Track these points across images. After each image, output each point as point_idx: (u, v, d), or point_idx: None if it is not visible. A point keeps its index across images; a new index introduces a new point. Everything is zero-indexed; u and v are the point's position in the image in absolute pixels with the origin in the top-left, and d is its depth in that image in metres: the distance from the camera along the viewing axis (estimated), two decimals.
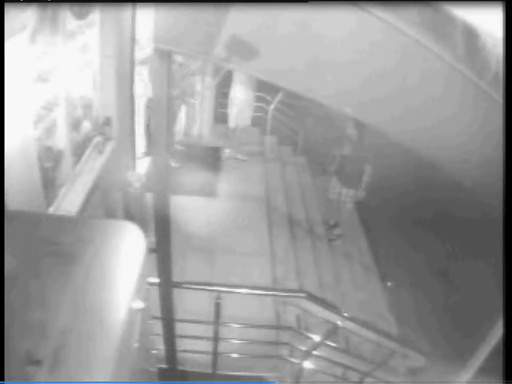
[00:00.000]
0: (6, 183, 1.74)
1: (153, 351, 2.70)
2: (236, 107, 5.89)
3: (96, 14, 2.72)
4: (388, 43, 1.35)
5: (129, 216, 3.35)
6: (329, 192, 5.09)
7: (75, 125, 2.74)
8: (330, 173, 5.02)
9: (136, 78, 3.18)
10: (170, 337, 2.69)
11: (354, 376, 3.37)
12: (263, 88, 6.20)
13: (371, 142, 4.42)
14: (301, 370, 3.12)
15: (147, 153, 4.14)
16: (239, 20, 1.28)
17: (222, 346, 2.97)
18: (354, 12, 1.26)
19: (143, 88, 4.53)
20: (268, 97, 6.46)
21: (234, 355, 3.12)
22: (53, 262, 1.10)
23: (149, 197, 3.49)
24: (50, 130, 2.35)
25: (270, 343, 3.22)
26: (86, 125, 2.94)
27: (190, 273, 3.85)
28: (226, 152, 6.02)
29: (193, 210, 4.81)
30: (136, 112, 3.39)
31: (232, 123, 6.06)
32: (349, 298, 4.44)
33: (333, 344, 3.09)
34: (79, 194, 2.68)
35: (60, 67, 2.34)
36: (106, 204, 3.26)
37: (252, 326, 3.05)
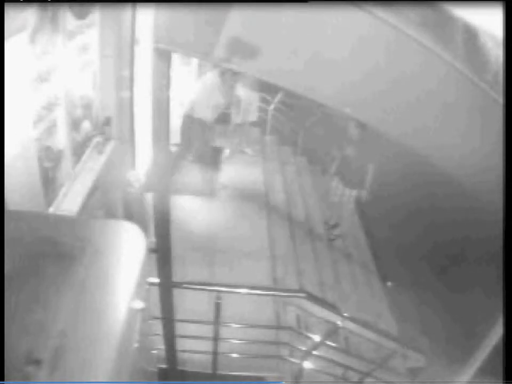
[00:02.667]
0: (6, 183, 1.74)
1: (153, 351, 2.70)
2: (243, 104, 5.83)
3: (96, 14, 2.72)
4: (387, 43, 1.35)
5: (129, 216, 3.36)
6: (330, 193, 5.09)
7: (75, 125, 2.74)
8: (331, 173, 5.02)
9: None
10: (170, 337, 2.69)
11: (354, 376, 3.37)
12: (263, 88, 6.20)
13: (373, 142, 4.42)
14: (301, 370, 3.12)
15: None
16: (239, 19, 1.28)
17: (222, 346, 2.97)
18: (354, 12, 1.26)
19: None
20: (268, 97, 6.46)
21: (234, 355, 3.12)
22: (53, 262, 1.09)
23: (149, 197, 3.49)
24: (50, 130, 2.36)
25: (270, 343, 3.22)
26: (86, 125, 2.94)
27: (190, 273, 3.85)
28: (230, 149, 6.01)
29: (193, 210, 4.81)
30: (136, 112, 3.38)
31: (238, 119, 6.05)
32: (349, 298, 4.44)
33: (333, 344, 3.09)
34: (79, 194, 2.68)
35: (60, 67, 2.34)
36: (106, 204, 3.26)
37: (252, 326, 3.04)
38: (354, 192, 4.83)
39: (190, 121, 4.81)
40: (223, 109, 5.00)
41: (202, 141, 5.04)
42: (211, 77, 4.71)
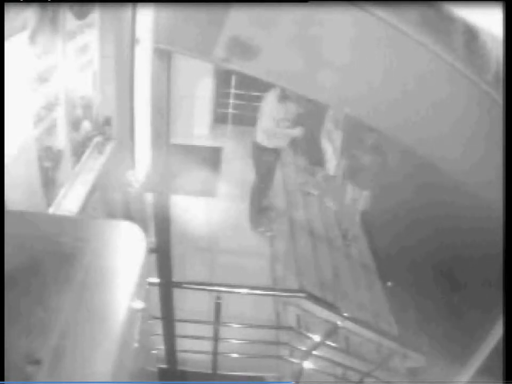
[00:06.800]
0: (6, 183, 1.74)
1: (153, 351, 2.70)
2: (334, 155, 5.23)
3: (96, 14, 2.72)
4: (387, 43, 1.35)
5: (129, 216, 3.35)
6: (335, 194, 5.06)
7: (75, 125, 2.74)
8: (337, 174, 4.98)
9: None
10: (170, 337, 2.69)
11: (354, 376, 3.37)
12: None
13: (380, 143, 4.40)
14: (301, 370, 3.12)
15: None
16: (239, 19, 1.28)
17: (222, 346, 2.97)
18: (354, 12, 1.26)
19: None
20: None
21: (234, 355, 3.12)
22: (53, 262, 1.09)
23: (149, 197, 3.49)
24: (50, 130, 2.35)
25: (270, 343, 3.22)
26: (86, 125, 2.94)
27: (190, 273, 3.85)
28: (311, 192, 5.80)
29: (193, 210, 4.81)
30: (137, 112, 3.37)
31: (330, 171, 5.56)
32: (349, 298, 4.44)
33: (333, 344, 3.09)
34: (79, 194, 2.68)
35: (60, 67, 2.34)
36: (106, 204, 3.26)
37: (252, 326, 3.05)
38: (364, 193, 4.77)
39: (259, 150, 4.39)
40: (295, 136, 4.43)
41: (270, 171, 4.60)
42: (271, 101, 4.14)
